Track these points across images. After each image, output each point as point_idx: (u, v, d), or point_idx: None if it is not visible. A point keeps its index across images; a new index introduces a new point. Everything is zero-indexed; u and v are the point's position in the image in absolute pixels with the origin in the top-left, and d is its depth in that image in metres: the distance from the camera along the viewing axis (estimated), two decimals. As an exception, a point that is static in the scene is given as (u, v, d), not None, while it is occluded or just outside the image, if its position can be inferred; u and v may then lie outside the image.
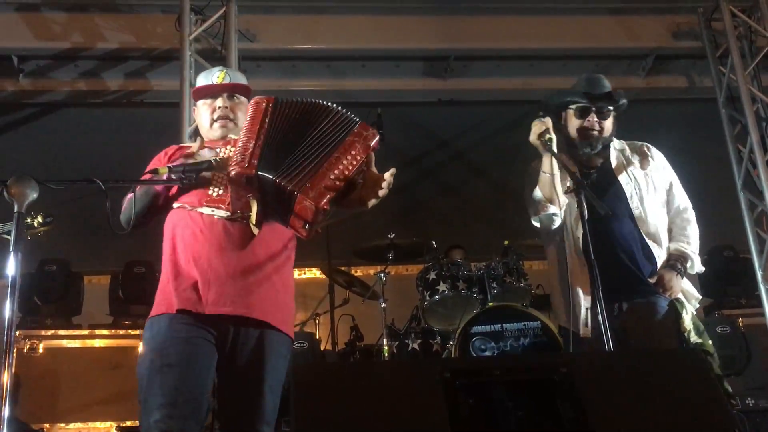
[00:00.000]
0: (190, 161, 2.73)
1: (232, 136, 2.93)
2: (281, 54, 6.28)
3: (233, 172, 2.53)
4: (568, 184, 3.41)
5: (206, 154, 2.78)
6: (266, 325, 2.69)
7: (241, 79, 3.06)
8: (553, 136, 3.37)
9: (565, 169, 3.41)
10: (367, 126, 2.69)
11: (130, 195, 2.74)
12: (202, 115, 3.01)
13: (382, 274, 5.57)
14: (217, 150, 2.78)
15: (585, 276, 3.36)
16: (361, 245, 6.07)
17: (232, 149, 2.74)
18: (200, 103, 3.02)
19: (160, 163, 2.88)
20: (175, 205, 2.78)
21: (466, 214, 8.48)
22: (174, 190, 2.79)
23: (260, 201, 2.62)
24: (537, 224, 3.59)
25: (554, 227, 3.53)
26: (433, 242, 5.81)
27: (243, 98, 3.02)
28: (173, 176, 2.65)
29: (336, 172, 2.56)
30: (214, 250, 2.66)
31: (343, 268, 6.73)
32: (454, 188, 8.44)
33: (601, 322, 2.99)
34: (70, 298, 6.50)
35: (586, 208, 3.19)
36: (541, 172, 3.43)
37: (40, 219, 2.85)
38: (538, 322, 5.00)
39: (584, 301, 3.41)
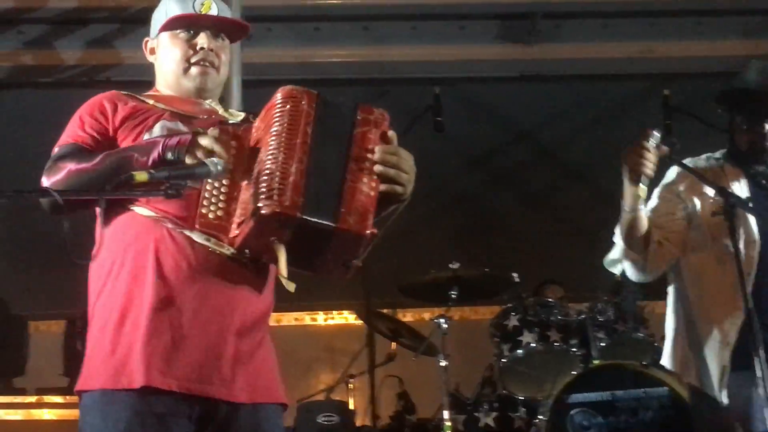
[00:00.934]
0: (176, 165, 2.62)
1: (214, 104, 2.93)
2: (300, 12, 6.33)
3: (266, 210, 2.49)
4: (713, 203, 3.53)
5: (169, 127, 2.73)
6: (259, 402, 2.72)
7: (228, 13, 3.05)
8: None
9: (707, 182, 3.48)
10: (368, 106, 2.70)
11: (84, 166, 2.65)
12: (170, 53, 2.97)
13: (442, 320, 5.57)
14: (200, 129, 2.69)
15: (731, 320, 3.44)
16: (412, 279, 6.06)
17: (233, 146, 2.69)
18: (167, 35, 2.99)
19: (104, 121, 2.82)
20: (144, 211, 2.70)
21: (559, 234, 8.42)
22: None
23: (290, 244, 2.61)
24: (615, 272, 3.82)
25: (641, 279, 3.73)
26: (515, 275, 5.77)
27: (227, 41, 3.02)
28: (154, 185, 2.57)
29: (365, 178, 2.59)
30: (204, 298, 2.64)
31: (386, 312, 6.72)
32: (541, 198, 8.39)
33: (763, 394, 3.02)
34: (10, 352, 6.59)
35: (748, 236, 3.29)
36: (622, 209, 3.56)
37: None
38: (665, 388, 4.94)
39: (721, 354, 3.48)
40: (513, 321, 5.57)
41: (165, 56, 3.01)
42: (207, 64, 2.94)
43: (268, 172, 2.53)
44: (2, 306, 6.65)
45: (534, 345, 5.45)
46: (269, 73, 6.00)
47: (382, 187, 2.61)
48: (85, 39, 6.38)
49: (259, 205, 2.50)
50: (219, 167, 2.54)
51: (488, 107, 7.21)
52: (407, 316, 8.57)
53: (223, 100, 3.15)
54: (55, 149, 2.89)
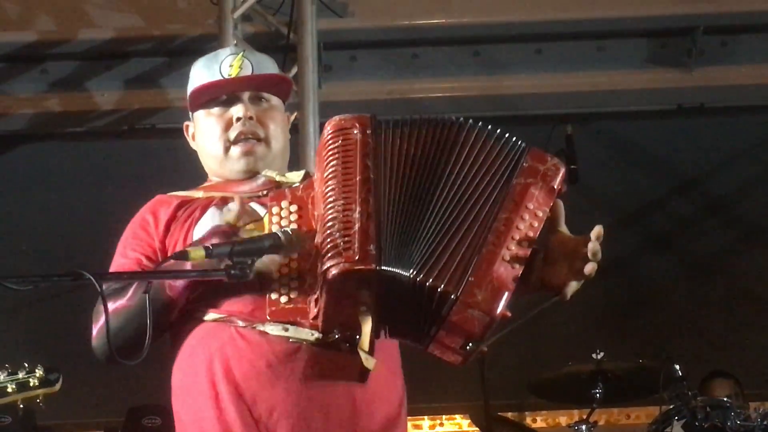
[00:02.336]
0: (237, 238, 2.64)
1: (269, 174, 2.94)
2: (393, 36, 6.40)
3: (335, 270, 2.48)
4: None
5: (227, 217, 2.79)
6: None
7: (270, 66, 3.08)
8: None
9: None
10: (542, 153, 2.68)
11: (121, 304, 2.72)
12: (206, 135, 3.02)
13: (584, 427, 5.56)
14: (260, 210, 2.76)
15: None
16: (544, 373, 6.04)
17: (293, 211, 2.72)
18: (201, 113, 3.05)
19: (147, 238, 2.90)
20: (210, 316, 2.77)
21: (735, 312, 8.30)
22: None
23: (378, 312, 2.61)
24: None
25: None
26: (677, 366, 5.70)
27: (275, 101, 3.06)
28: (214, 264, 2.61)
29: (512, 246, 2.55)
30: (296, 404, 2.67)
31: (511, 416, 6.68)
32: (711, 265, 8.29)
33: None
34: (37, 472, 6.72)
35: None
36: None
37: (39, 373, 3.02)
38: None
39: None
40: (677, 428, 5.49)
41: (202, 140, 3.05)
42: (249, 137, 2.97)
43: (329, 225, 2.54)
44: (28, 415, 6.77)
45: (706, 459, 5.36)
46: (355, 113, 6.05)
47: (569, 290, 2.56)
48: (123, 77, 6.53)
49: (324, 267, 2.50)
50: (290, 233, 2.57)
51: (637, 150, 7.18)
52: (538, 422, 8.52)
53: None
54: None
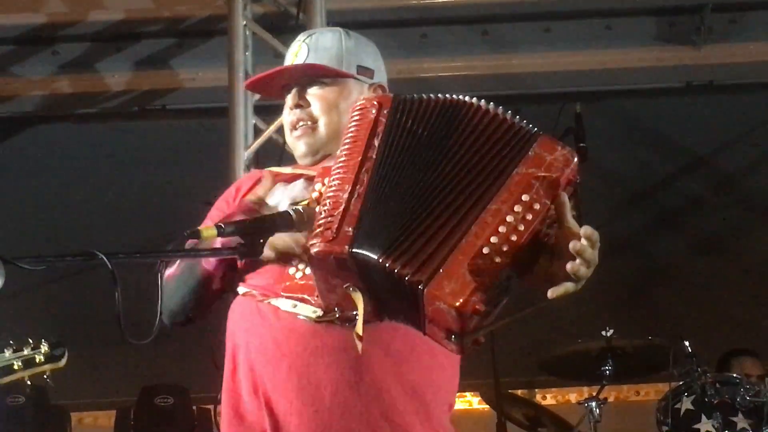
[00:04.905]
0: (256, 214, 2.70)
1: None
2: (401, 15, 6.40)
3: (314, 249, 2.49)
4: None
5: (293, 193, 2.81)
6: None
7: (331, 50, 3.07)
8: None
9: None
10: (553, 142, 2.60)
11: (170, 273, 2.82)
12: (284, 121, 3.12)
13: (593, 404, 5.55)
14: (309, 188, 2.79)
15: None
16: (554, 351, 6.05)
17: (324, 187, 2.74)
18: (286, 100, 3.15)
19: (225, 208, 2.96)
20: (241, 289, 2.84)
21: (745, 288, 8.30)
22: (240, 263, 2.82)
23: (369, 292, 2.60)
24: None
25: None
26: (686, 343, 5.70)
27: (340, 81, 3.05)
28: (226, 242, 2.61)
29: (493, 239, 2.47)
30: (296, 383, 2.69)
31: (521, 393, 6.69)
32: (721, 242, 8.29)
33: None
34: (50, 449, 6.74)
35: None
36: None
37: (45, 349, 3.03)
38: None
39: None
40: (686, 404, 5.50)
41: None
42: (301, 123, 3.02)
43: (323, 204, 2.56)
44: (40, 394, 6.79)
45: (715, 435, 5.37)
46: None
47: (559, 290, 2.43)
48: (134, 59, 6.54)
49: (308, 245, 2.52)
50: (302, 211, 2.58)
51: (646, 128, 7.17)
52: (548, 399, 8.55)
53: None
54: None
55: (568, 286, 2.43)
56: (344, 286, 2.54)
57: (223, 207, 3.00)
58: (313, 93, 3.03)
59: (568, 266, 2.40)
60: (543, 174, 2.50)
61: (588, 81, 6.58)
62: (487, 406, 6.75)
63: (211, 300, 2.89)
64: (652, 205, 7.87)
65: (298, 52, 3.06)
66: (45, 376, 3.05)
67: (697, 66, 6.59)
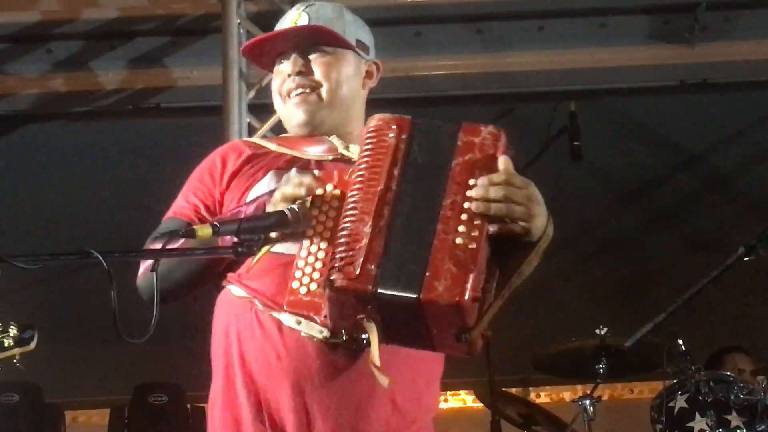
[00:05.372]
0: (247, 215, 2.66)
1: (336, 142, 2.93)
2: (395, 13, 6.39)
3: (335, 284, 2.46)
4: None
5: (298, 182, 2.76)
6: None
7: (333, 21, 3.02)
8: None
9: None
10: (474, 126, 2.58)
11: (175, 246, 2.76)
12: (273, 89, 3.07)
13: (588, 402, 5.56)
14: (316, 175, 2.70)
15: None
16: (548, 349, 6.05)
17: (335, 196, 2.63)
18: (274, 72, 3.07)
19: (210, 183, 2.93)
20: (237, 291, 2.78)
21: (739, 287, 8.29)
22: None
23: (382, 322, 2.58)
24: None
25: None
26: (680, 341, 5.71)
27: (341, 51, 3.01)
28: (225, 240, 2.56)
29: (461, 228, 2.45)
30: (301, 401, 2.67)
31: (515, 392, 6.69)
32: (714, 240, 8.28)
33: None
34: (44, 448, 6.74)
35: None
36: None
37: (14, 332, 3.00)
38: None
39: None
40: (680, 402, 5.49)
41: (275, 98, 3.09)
42: (300, 90, 2.97)
43: (343, 233, 2.51)
44: (35, 393, 6.79)
45: (709, 432, 5.37)
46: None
47: (492, 229, 2.49)
48: (128, 57, 6.54)
49: (331, 278, 2.47)
50: (297, 210, 2.54)
51: (640, 126, 7.18)
52: (542, 397, 8.53)
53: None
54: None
55: (530, 226, 2.50)
56: (358, 317, 2.52)
57: (207, 181, 2.96)
58: (315, 59, 2.98)
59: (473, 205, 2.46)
60: (478, 155, 2.54)
61: (582, 79, 6.59)
62: (481, 404, 6.75)
63: (209, 279, 2.85)
64: (646, 203, 7.87)
65: (297, 20, 3.00)
66: (14, 361, 3.01)
67: (691, 64, 6.60)
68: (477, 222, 2.47)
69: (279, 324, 2.67)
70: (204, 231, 2.47)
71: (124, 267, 2.44)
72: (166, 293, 2.65)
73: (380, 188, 2.52)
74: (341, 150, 2.94)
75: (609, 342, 5.79)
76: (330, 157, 2.91)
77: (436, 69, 6.53)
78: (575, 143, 5.88)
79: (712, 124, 7.17)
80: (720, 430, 5.39)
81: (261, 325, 2.70)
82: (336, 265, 2.46)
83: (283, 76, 3.00)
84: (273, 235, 2.58)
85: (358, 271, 2.44)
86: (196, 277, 2.79)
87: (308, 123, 2.97)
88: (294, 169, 2.77)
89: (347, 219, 2.52)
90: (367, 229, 2.48)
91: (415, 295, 2.41)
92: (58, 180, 7.16)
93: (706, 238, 8.27)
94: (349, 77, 3.01)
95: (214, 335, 2.83)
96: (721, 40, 6.54)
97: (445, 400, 9.21)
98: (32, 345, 2.94)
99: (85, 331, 5.98)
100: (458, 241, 2.45)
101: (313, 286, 2.60)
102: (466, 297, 2.41)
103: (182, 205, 2.95)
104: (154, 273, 2.54)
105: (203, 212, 2.90)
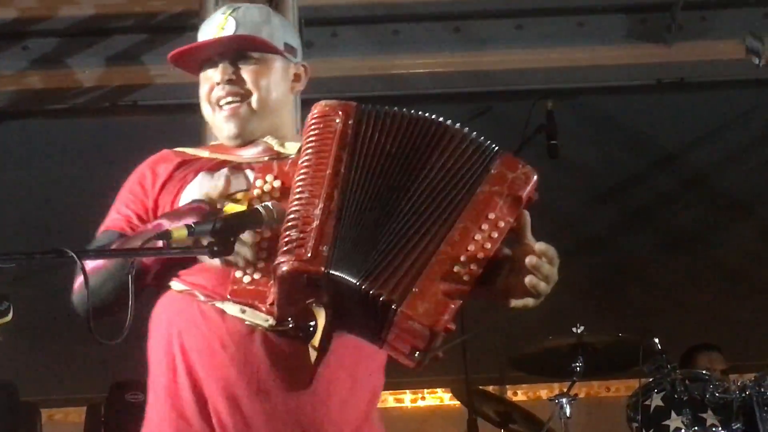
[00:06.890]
0: (220, 214, 2.63)
1: (270, 141, 2.91)
2: (374, 12, 6.37)
3: (285, 267, 2.47)
4: None
5: (218, 183, 2.74)
6: None
7: (254, 21, 2.99)
8: None
9: None
10: (514, 160, 2.58)
11: (96, 265, 2.71)
12: (200, 97, 3.04)
13: (564, 400, 5.58)
14: (251, 180, 2.72)
15: None
16: (524, 349, 6.07)
17: (276, 187, 2.64)
18: (201, 78, 3.04)
19: (141, 194, 2.91)
20: (177, 286, 2.76)
21: (714, 286, 8.33)
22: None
23: (331, 308, 2.59)
24: None
25: None
26: (656, 340, 5.73)
27: (269, 56, 2.99)
28: (195, 240, 2.55)
29: (463, 258, 2.48)
30: (245, 389, 2.65)
31: (492, 390, 6.70)
32: (690, 239, 8.32)
33: None
34: (20, 446, 6.71)
35: None
36: None
37: None
38: None
39: None
40: (656, 400, 5.52)
41: (202, 105, 3.06)
42: (230, 100, 2.95)
43: (291, 217, 2.52)
44: (10, 391, 6.76)
45: (684, 430, 5.38)
46: (336, 90, 5.99)
47: (519, 303, 2.52)
48: (105, 54, 6.49)
49: (277, 262, 2.49)
50: (271, 208, 2.56)
51: (617, 125, 7.19)
52: (519, 395, 8.55)
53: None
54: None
55: (527, 301, 2.50)
56: (307, 302, 2.54)
57: (138, 192, 2.94)
58: (244, 67, 2.96)
59: (527, 280, 2.45)
60: (506, 192, 2.53)
61: (559, 78, 6.58)
62: (458, 402, 6.77)
63: (134, 296, 2.69)
64: (623, 202, 7.89)
65: (224, 25, 2.96)
66: None
67: (668, 63, 6.60)
68: (480, 256, 2.47)
69: (222, 314, 2.67)
70: (179, 233, 2.48)
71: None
72: (98, 308, 2.61)
73: (329, 172, 2.54)
74: (277, 148, 2.93)
75: (586, 340, 5.81)
76: (266, 158, 2.89)
77: (413, 67, 6.51)
78: (552, 142, 5.89)
79: (689, 123, 7.18)
80: (696, 428, 5.41)
81: (204, 315, 2.69)
82: (286, 248, 2.47)
83: (211, 83, 2.97)
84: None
85: (310, 254, 2.45)
86: (123, 291, 2.64)
87: (239, 136, 2.96)
88: (225, 170, 2.79)
89: (296, 203, 2.53)
90: (318, 212, 2.49)
91: (395, 306, 2.41)
92: (35, 178, 7.13)
93: (683, 237, 8.30)
94: (278, 83, 3.00)
95: (155, 333, 2.80)
96: (698, 40, 6.54)
97: (422, 398, 9.22)
98: (9, 316, 2.91)
99: (60, 329, 5.95)
100: (456, 269, 2.46)
101: (257, 275, 2.60)
102: (440, 327, 2.42)
103: (114, 217, 2.94)
104: (129, 273, 2.54)
105: (135, 222, 2.88)
